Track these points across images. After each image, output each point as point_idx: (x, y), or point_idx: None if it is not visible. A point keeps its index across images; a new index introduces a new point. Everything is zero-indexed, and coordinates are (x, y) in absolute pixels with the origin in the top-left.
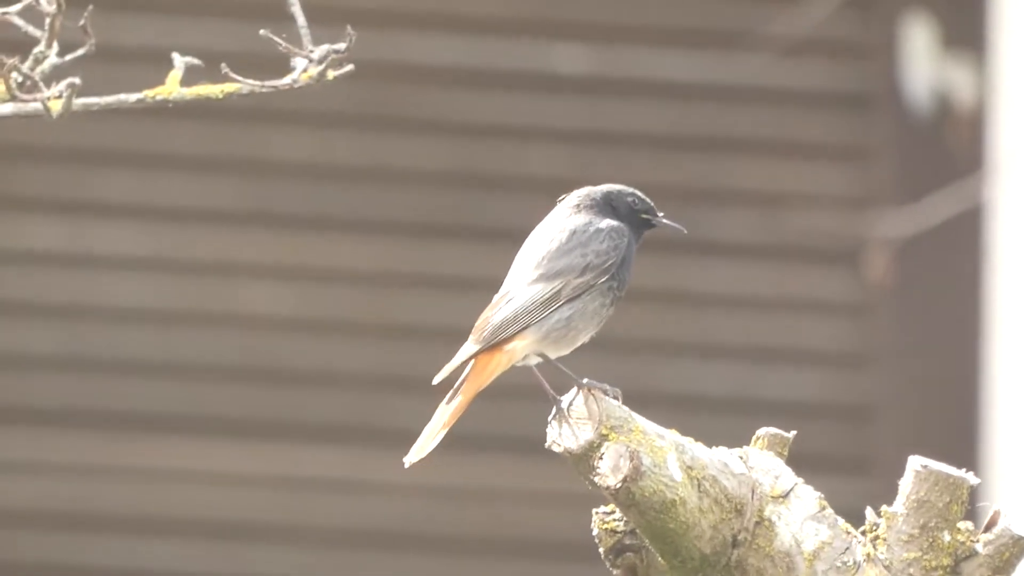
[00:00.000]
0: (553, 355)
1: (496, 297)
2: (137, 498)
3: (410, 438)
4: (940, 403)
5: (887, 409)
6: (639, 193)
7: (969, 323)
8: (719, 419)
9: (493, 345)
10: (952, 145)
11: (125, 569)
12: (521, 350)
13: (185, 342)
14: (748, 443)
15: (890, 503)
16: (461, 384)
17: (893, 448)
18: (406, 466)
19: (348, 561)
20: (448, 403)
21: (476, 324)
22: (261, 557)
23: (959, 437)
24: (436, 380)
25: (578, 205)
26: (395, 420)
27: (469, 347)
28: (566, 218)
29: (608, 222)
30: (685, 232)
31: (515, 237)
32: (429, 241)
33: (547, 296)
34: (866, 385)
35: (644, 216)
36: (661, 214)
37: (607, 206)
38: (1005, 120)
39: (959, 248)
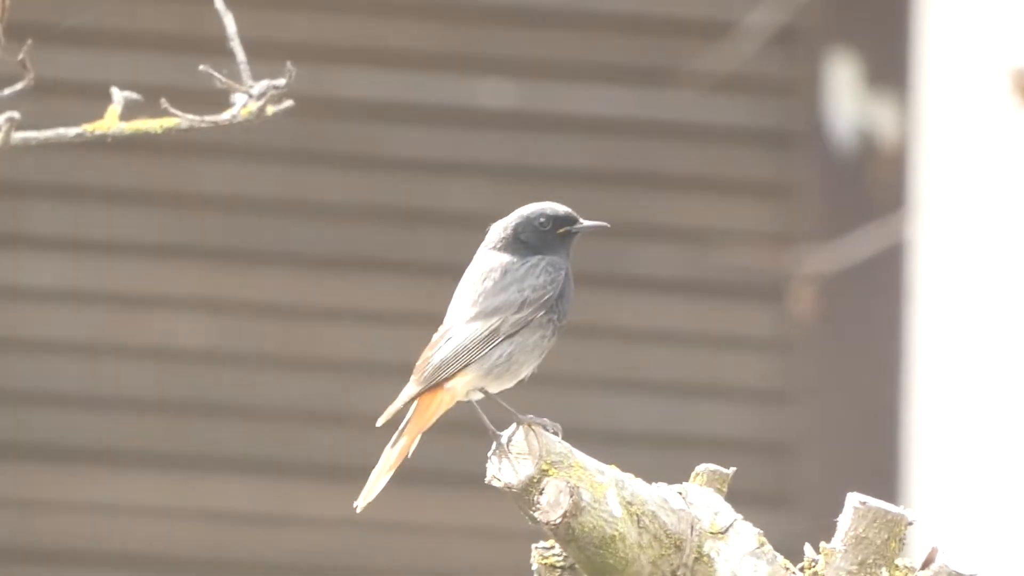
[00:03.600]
0: (495, 390)
1: (435, 337)
2: (57, 530)
3: (333, 471)
4: (862, 439)
5: (809, 444)
6: (547, 210)
7: (890, 359)
8: (646, 454)
9: (435, 384)
10: (875, 182)
11: None
12: (463, 387)
13: (107, 374)
14: (674, 478)
15: (812, 538)
16: (405, 425)
17: (815, 484)
18: (358, 510)
19: None
20: (392, 445)
21: (416, 364)
22: None
23: (881, 471)
24: (380, 422)
25: (495, 244)
26: (317, 453)
27: (411, 388)
28: (495, 255)
29: (543, 256)
30: (608, 227)
31: (440, 271)
32: (353, 274)
33: (486, 334)
34: (789, 420)
35: (561, 232)
36: (581, 220)
37: (519, 242)
38: (926, 158)
39: (881, 285)
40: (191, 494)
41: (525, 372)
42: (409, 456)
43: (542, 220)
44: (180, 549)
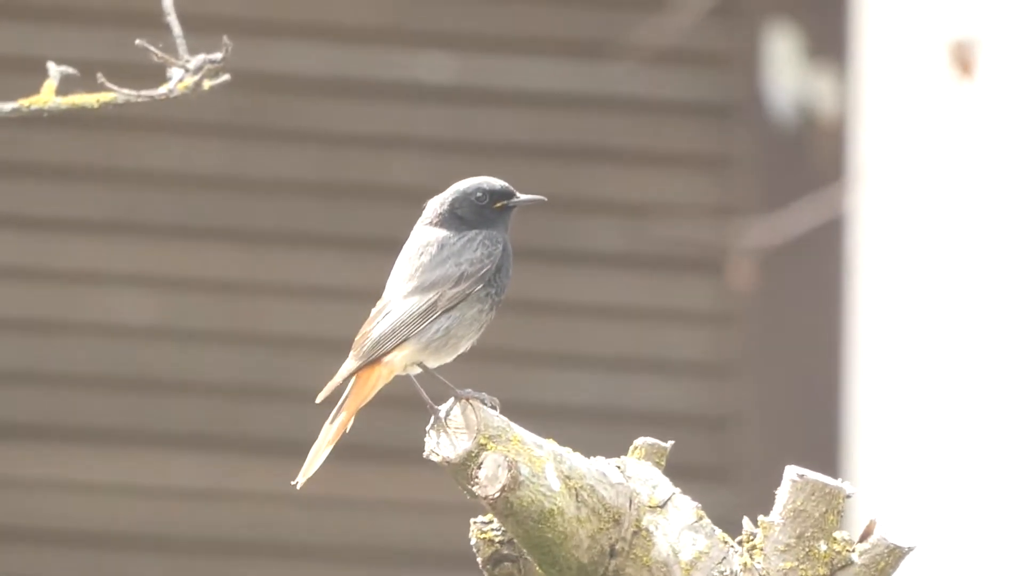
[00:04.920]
0: (433, 365)
1: (373, 311)
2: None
3: (277, 446)
4: (802, 411)
5: (748, 418)
6: (484, 185)
7: (831, 332)
8: (584, 428)
9: (373, 359)
10: (814, 155)
11: None
12: (400, 362)
13: (50, 351)
14: (614, 452)
15: (752, 512)
16: (344, 400)
17: (755, 457)
18: (297, 487)
19: (214, 570)
20: (332, 421)
21: (355, 339)
22: (126, 566)
23: (821, 445)
24: (319, 398)
25: (432, 219)
26: (260, 429)
27: (350, 363)
28: (432, 231)
29: (480, 230)
30: (545, 200)
31: (380, 246)
32: (295, 249)
33: (424, 308)
34: (728, 394)
35: (498, 206)
36: (518, 194)
37: (455, 217)
38: (866, 130)
39: (821, 258)
40: (134, 470)
41: (463, 346)
42: (347, 431)
43: (479, 195)
44: (124, 525)
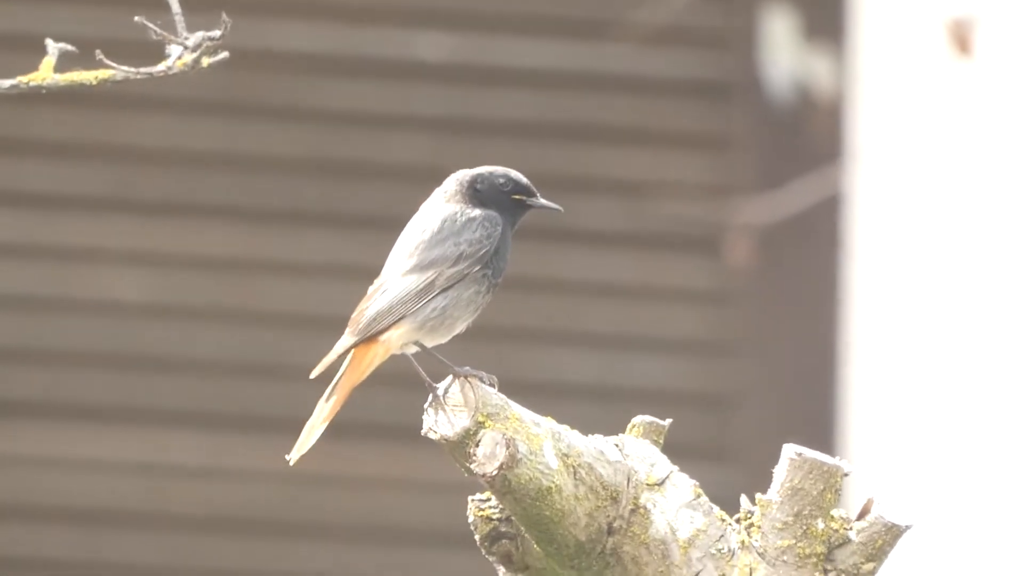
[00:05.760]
0: (430, 344)
1: (371, 289)
2: None
3: (273, 424)
4: (800, 390)
5: (747, 396)
6: (512, 174)
7: (828, 310)
8: (582, 406)
9: (369, 337)
10: (812, 134)
11: None
12: (397, 340)
13: (45, 328)
14: (611, 430)
15: (750, 490)
16: (339, 378)
17: (753, 435)
18: (291, 463)
19: (211, 547)
20: (327, 399)
21: (352, 317)
22: (122, 543)
23: (818, 424)
24: (313, 374)
25: (447, 191)
26: (258, 407)
27: (346, 339)
28: (439, 207)
29: (481, 211)
30: (562, 211)
31: (378, 224)
32: (292, 228)
33: (421, 287)
34: (726, 372)
35: (516, 198)
36: (538, 197)
37: (473, 191)
38: (863, 110)
39: (819, 236)
40: (130, 447)
41: (459, 327)
42: (342, 409)
43: (502, 180)
44: (119, 502)
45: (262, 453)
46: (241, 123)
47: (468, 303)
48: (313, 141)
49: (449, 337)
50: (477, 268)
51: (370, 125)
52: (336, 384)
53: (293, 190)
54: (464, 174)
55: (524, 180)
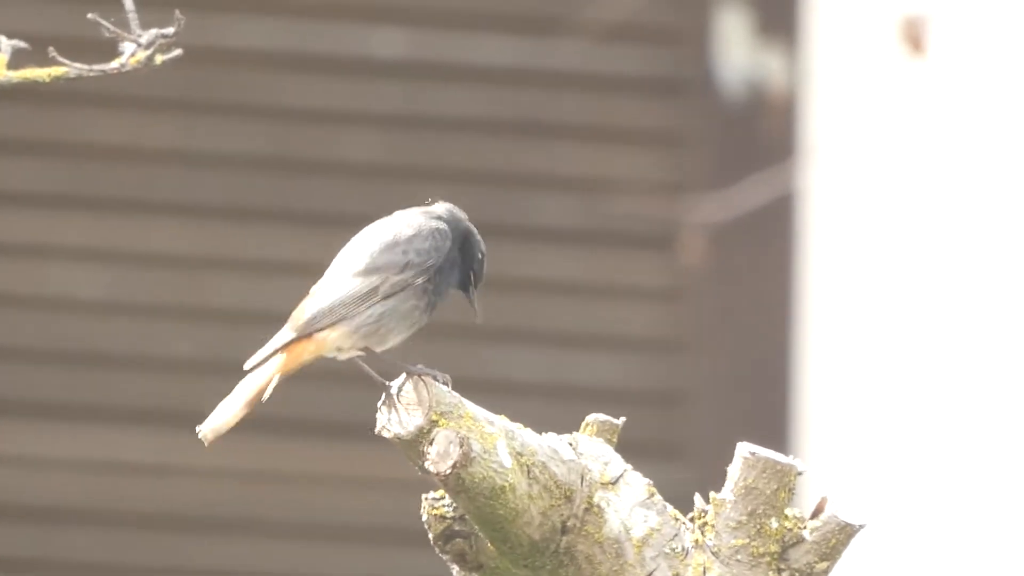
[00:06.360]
0: (377, 349)
1: (315, 287)
2: None
3: None
4: (753, 388)
5: (699, 394)
6: (483, 254)
7: (781, 308)
8: (535, 405)
9: (305, 334)
10: (765, 132)
11: None
12: (331, 343)
13: (0, 325)
14: (565, 429)
15: (703, 489)
16: (265, 366)
17: (706, 434)
18: (201, 436)
19: (165, 545)
20: (250, 383)
21: (293, 313)
22: (75, 541)
23: (771, 422)
24: (248, 365)
25: (428, 212)
26: (212, 404)
27: (285, 334)
28: (400, 215)
29: (435, 223)
30: (478, 321)
31: (331, 221)
32: (245, 224)
33: (365, 291)
34: (679, 370)
35: (472, 272)
36: (474, 292)
37: (458, 235)
38: (817, 107)
39: (772, 234)
40: (84, 445)
41: (393, 340)
42: (264, 400)
43: (481, 255)
44: (73, 500)
45: (218, 451)
46: (195, 120)
47: (404, 317)
48: (267, 138)
49: (382, 348)
50: (420, 280)
51: (324, 121)
52: (260, 372)
53: (247, 187)
54: (459, 214)
55: (483, 271)
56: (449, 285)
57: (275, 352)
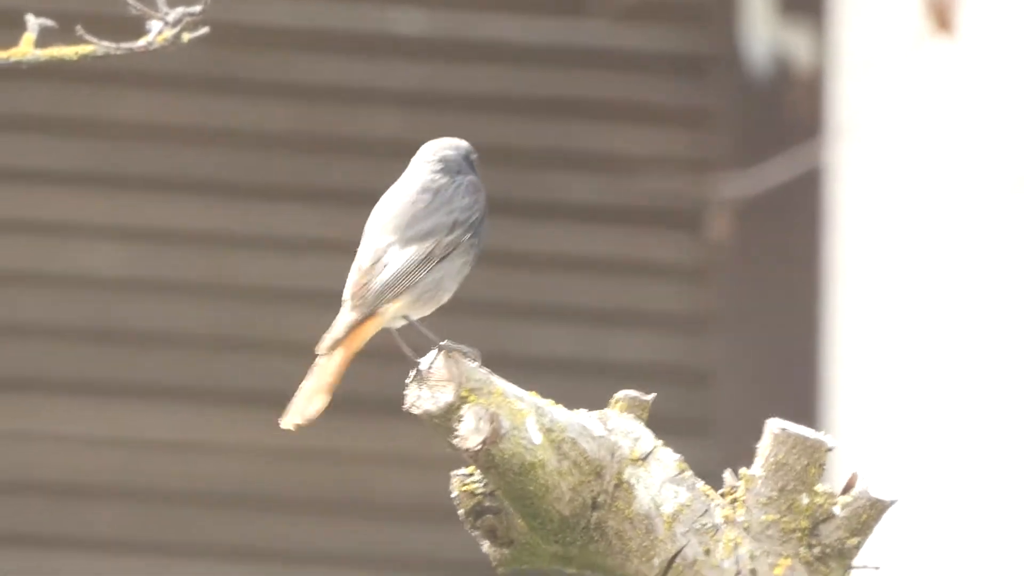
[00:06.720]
0: (416, 316)
1: (366, 262)
2: None
3: (249, 397)
4: (781, 364)
5: (728, 371)
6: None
7: (808, 284)
8: (563, 381)
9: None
10: (791, 109)
11: None
12: (392, 313)
13: (23, 302)
14: (592, 405)
15: (731, 465)
16: (334, 350)
17: (734, 410)
18: (289, 427)
19: (187, 522)
20: (321, 368)
21: (352, 291)
22: (98, 518)
23: (800, 398)
24: (320, 349)
25: (429, 161)
26: (234, 381)
27: (349, 314)
28: (426, 176)
29: (464, 177)
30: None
31: (353, 198)
32: (268, 202)
33: (423, 257)
34: (707, 347)
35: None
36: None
37: (467, 162)
38: (843, 84)
39: (798, 210)
40: (107, 422)
41: (445, 299)
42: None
43: (474, 154)
44: (97, 477)
45: (239, 427)
46: (219, 98)
47: (457, 273)
48: (289, 115)
49: (433, 310)
50: (468, 236)
51: (346, 99)
52: (335, 356)
53: (269, 164)
54: (449, 144)
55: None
56: (486, 234)
57: (348, 333)
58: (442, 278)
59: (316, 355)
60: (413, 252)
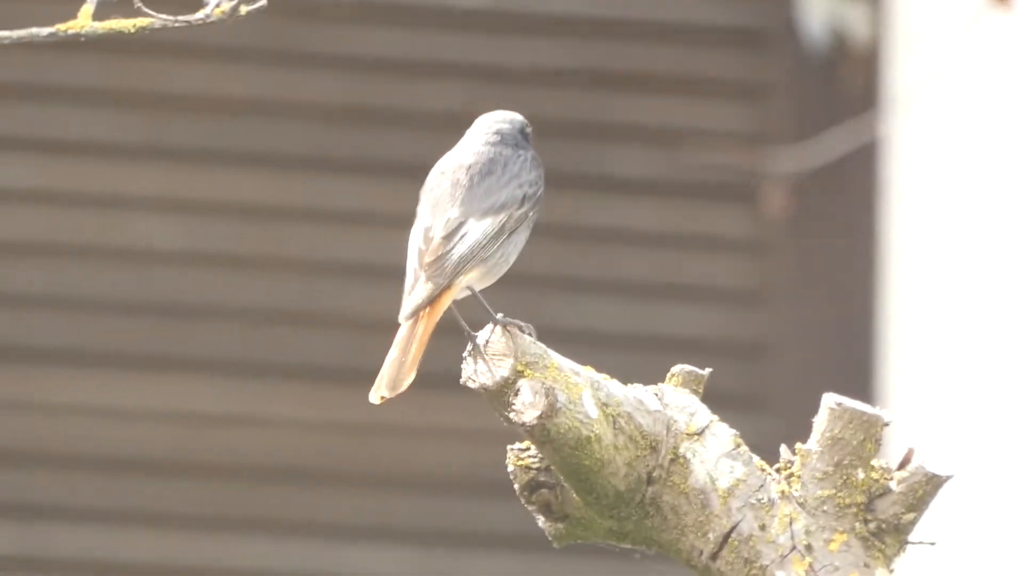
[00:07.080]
0: (479, 288)
1: (439, 233)
2: (27, 432)
3: (302, 371)
4: (837, 339)
5: (784, 346)
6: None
7: (865, 258)
8: (618, 355)
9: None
10: (847, 82)
11: (15, 503)
12: (463, 284)
13: (79, 275)
14: (647, 379)
15: (787, 440)
16: (415, 322)
17: (790, 385)
18: (374, 399)
19: (241, 496)
20: (407, 341)
21: (428, 261)
22: (153, 492)
23: (856, 373)
24: (403, 318)
25: (487, 133)
26: (288, 354)
27: (426, 285)
28: (489, 148)
29: (526, 152)
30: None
31: (409, 172)
32: (323, 175)
33: (496, 230)
34: (763, 321)
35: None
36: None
37: (523, 135)
38: (899, 57)
39: (854, 184)
40: (164, 395)
41: (505, 271)
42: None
43: (529, 129)
44: (152, 451)
45: (294, 401)
46: (277, 70)
47: (520, 247)
48: (346, 88)
49: (494, 281)
50: (534, 210)
51: (403, 72)
52: (418, 326)
53: (325, 137)
54: (504, 118)
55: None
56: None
57: (429, 303)
58: (510, 252)
59: (398, 323)
60: (488, 225)
